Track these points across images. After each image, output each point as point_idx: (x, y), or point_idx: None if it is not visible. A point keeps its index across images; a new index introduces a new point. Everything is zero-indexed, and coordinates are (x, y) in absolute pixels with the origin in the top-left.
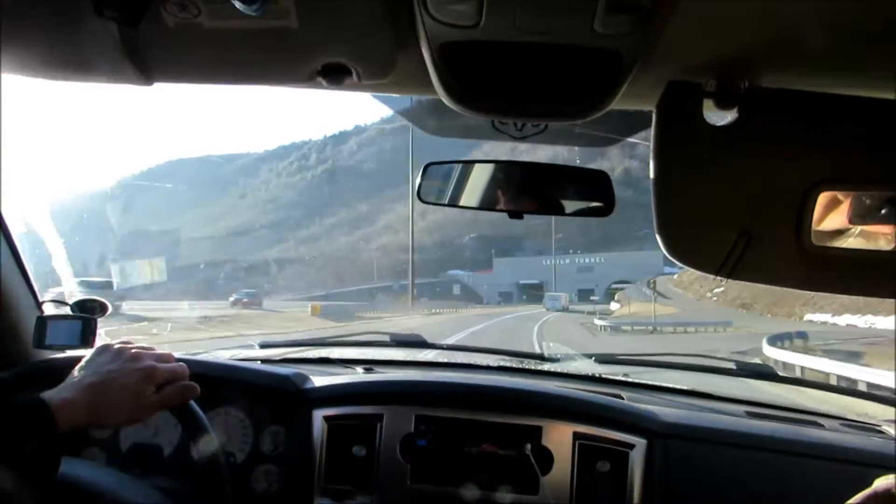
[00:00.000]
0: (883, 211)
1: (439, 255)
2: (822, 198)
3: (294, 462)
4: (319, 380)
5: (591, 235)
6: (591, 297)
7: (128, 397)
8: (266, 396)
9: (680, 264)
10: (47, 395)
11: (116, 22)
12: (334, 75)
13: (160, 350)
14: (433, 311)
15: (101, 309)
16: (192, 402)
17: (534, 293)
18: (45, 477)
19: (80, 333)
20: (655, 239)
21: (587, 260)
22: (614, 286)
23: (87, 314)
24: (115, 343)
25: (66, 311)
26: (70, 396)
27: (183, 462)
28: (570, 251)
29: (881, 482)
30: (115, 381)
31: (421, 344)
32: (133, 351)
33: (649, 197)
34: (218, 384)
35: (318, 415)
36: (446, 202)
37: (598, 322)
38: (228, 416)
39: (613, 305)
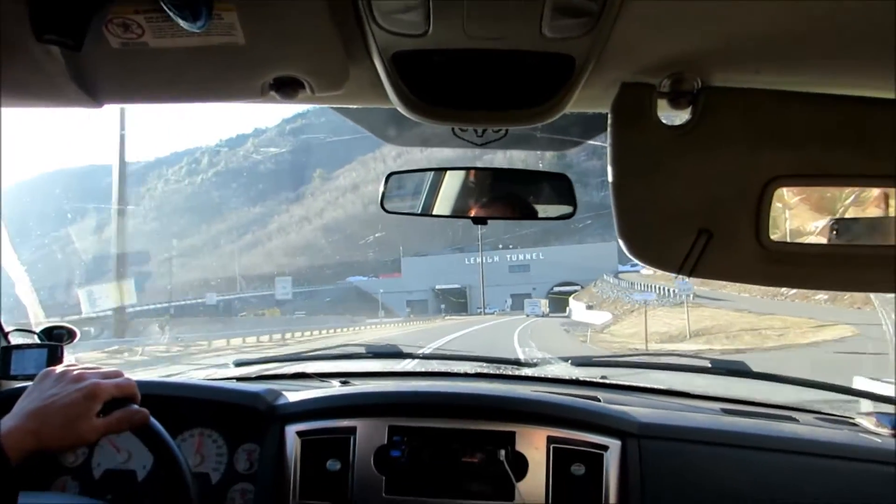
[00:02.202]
0: (837, 205)
1: (338, 258)
2: (778, 194)
3: (268, 479)
4: (293, 395)
5: (524, 228)
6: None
7: (71, 420)
8: (238, 414)
9: (641, 263)
10: None
11: (59, 46)
12: (287, 89)
13: (108, 368)
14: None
15: (70, 335)
16: (158, 425)
17: (454, 301)
18: None
19: (46, 362)
20: (601, 231)
21: (521, 257)
22: (558, 289)
23: (55, 341)
24: (59, 367)
25: (34, 339)
26: (14, 424)
27: (157, 486)
28: (500, 246)
29: None
30: (55, 404)
31: (397, 354)
32: (75, 372)
33: (587, 182)
34: (190, 405)
35: (291, 430)
36: (410, 211)
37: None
38: (202, 436)
39: (582, 314)
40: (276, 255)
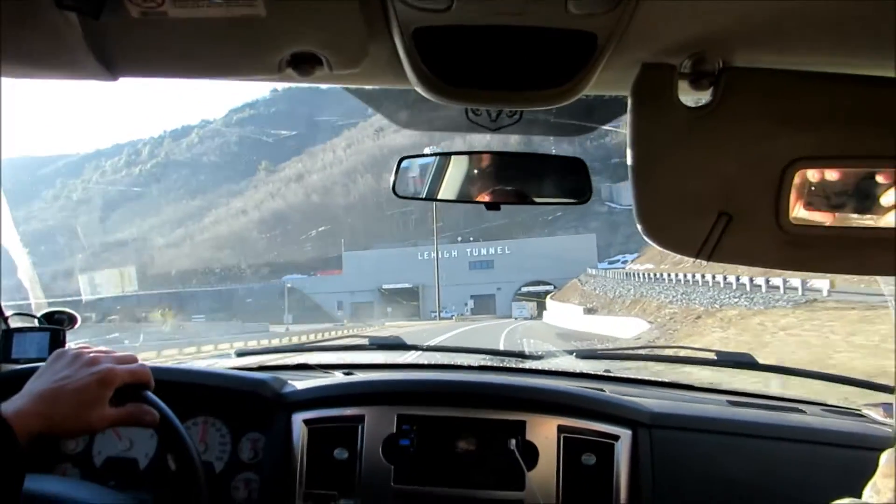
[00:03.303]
0: (859, 187)
1: (275, 254)
2: (800, 176)
3: (274, 469)
4: (299, 384)
5: (485, 218)
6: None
7: (83, 405)
8: (244, 402)
9: (661, 247)
10: (0, 406)
11: (77, 12)
12: (304, 66)
13: (123, 353)
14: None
15: (71, 321)
16: (169, 412)
17: (404, 303)
18: (10, 492)
19: (47, 346)
20: (575, 223)
21: (484, 251)
22: (527, 289)
23: (56, 326)
24: (73, 348)
25: (34, 323)
26: (22, 406)
27: (160, 474)
28: (459, 239)
29: None
30: (67, 387)
31: (401, 346)
32: (90, 355)
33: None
34: (194, 392)
35: (298, 419)
36: (422, 196)
37: None
38: (206, 424)
39: (572, 319)
40: (203, 251)
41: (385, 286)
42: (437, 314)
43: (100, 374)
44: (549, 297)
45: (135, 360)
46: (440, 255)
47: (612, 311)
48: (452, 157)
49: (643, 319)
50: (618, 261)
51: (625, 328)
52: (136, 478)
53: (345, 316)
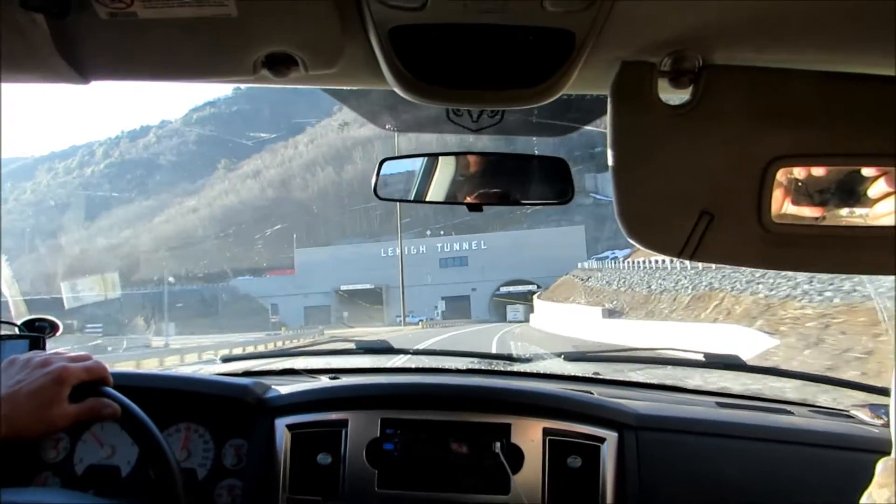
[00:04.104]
0: (840, 185)
1: (225, 254)
2: (781, 174)
3: (257, 475)
4: (282, 389)
5: (457, 211)
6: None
7: (41, 405)
8: (226, 408)
9: (643, 247)
10: None
11: (43, 13)
12: (280, 66)
13: (77, 353)
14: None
15: (52, 328)
16: (130, 403)
17: (365, 306)
18: None
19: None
20: (558, 215)
21: (456, 246)
22: (506, 289)
23: (36, 333)
24: (25, 354)
25: (15, 331)
26: None
27: (142, 481)
28: (428, 233)
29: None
30: (23, 390)
31: (388, 350)
32: (41, 358)
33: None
34: (176, 398)
35: (281, 424)
36: (403, 198)
37: None
38: (188, 430)
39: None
40: (145, 252)
41: (343, 287)
42: (402, 318)
43: (54, 374)
44: (535, 296)
45: (89, 358)
46: (406, 252)
47: (654, 312)
48: (434, 158)
49: (740, 325)
50: (606, 257)
51: (722, 338)
52: (118, 485)
53: (284, 322)
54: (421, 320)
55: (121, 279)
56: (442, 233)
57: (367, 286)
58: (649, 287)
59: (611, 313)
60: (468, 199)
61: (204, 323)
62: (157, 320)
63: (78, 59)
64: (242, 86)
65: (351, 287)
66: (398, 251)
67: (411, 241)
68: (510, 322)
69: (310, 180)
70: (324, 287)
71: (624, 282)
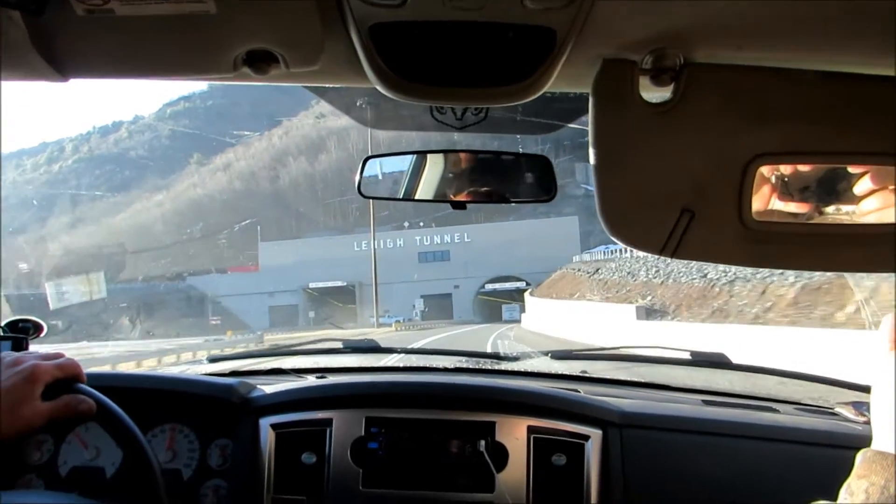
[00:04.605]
0: (820, 183)
1: (191, 251)
2: (761, 172)
3: (242, 474)
4: (268, 388)
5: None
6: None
7: (14, 404)
8: (211, 408)
9: (624, 245)
10: None
11: (19, 10)
12: (260, 64)
13: (49, 351)
14: None
15: (36, 329)
16: (105, 399)
17: (338, 305)
18: None
19: None
20: (544, 208)
21: (437, 239)
22: (492, 286)
23: (19, 335)
24: None
25: None
26: None
27: (127, 483)
28: (406, 225)
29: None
30: None
31: (375, 349)
32: (12, 357)
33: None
34: (161, 398)
35: (265, 423)
36: (387, 196)
37: None
38: (174, 431)
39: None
40: (105, 249)
41: (312, 285)
42: (374, 319)
43: (25, 373)
44: (527, 293)
45: (61, 356)
46: (382, 246)
47: (725, 311)
48: (418, 156)
49: None
50: (599, 253)
51: None
52: (103, 487)
53: (230, 325)
54: (397, 321)
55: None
56: (421, 224)
57: (339, 283)
58: (705, 276)
59: (649, 313)
60: (452, 198)
61: (148, 325)
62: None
63: (56, 57)
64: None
65: (321, 284)
66: (372, 245)
67: (387, 234)
68: (506, 322)
69: (280, 171)
70: (291, 285)
71: (658, 272)
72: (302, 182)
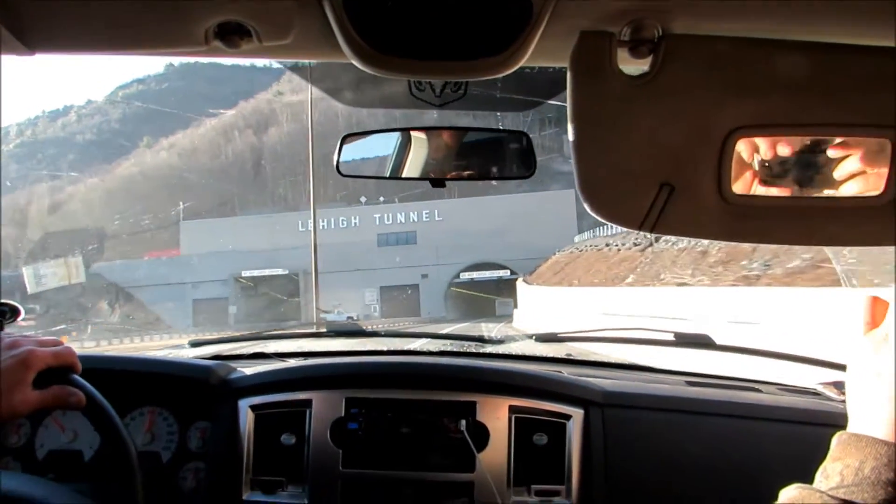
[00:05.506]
0: (800, 157)
1: (110, 236)
2: (741, 145)
3: (221, 457)
4: (249, 370)
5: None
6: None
7: (3, 389)
8: (190, 390)
9: (604, 220)
10: None
11: None
12: (232, 37)
13: (47, 337)
14: None
15: (13, 313)
16: (96, 393)
17: (283, 299)
18: None
19: None
20: (528, 182)
21: (401, 217)
22: (468, 275)
23: None
24: None
25: None
26: None
27: (105, 465)
28: (362, 200)
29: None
30: None
31: (359, 332)
32: (9, 340)
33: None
34: (140, 380)
35: (244, 405)
36: (366, 174)
37: None
38: (153, 414)
39: None
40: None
41: (245, 273)
42: (324, 317)
43: (20, 357)
44: (521, 281)
45: (59, 342)
46: (332, 225)
47: None
48: (395, 133)
49: None
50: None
51: None
52: (80, 470)
53: (146, 323)
54: (351, 317)
55: None
56: (382, 200)
57: (278, 271)
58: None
59: None
60: (430, 174)
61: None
62: None
63: (22, 30)
64: (175, 62)
65: (256, 273)
66: (322, 223)
67: (340, 211)
68: (498, 316)
69: (223, 146)
70: (219, 273)
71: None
72: (249, 157)
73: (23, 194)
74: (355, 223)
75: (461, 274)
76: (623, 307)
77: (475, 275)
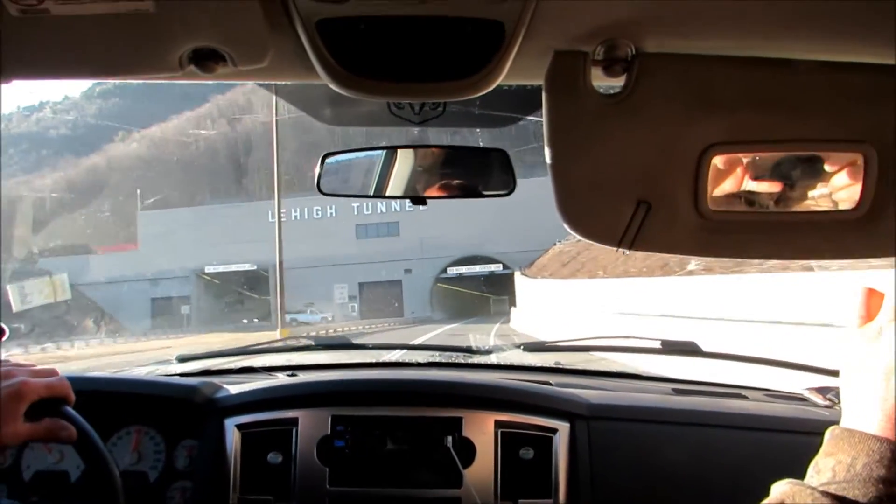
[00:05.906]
0: (774, 171)
1: (67, 227)
2: (716, 162)
3: (208, 476)
4: (233, 388)
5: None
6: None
7: None
8: (176, 409)
9: (582, 237)
10: None
11: None
12: (207, 62)
13: (42, 367)
14: None
15: None
16: (88, 427)
17: (254, 296)
18: None
19: None
20: (522, 169)
21: (382, 207)
22: (456, 270)
23: None
24: None
25: None
26: None
27: (91, 488)
28: None
29: None
30: None
31: (347, 345)
32: (4, 369)
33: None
34: (125, 401)
35: (231, 424)
36: (347, 193)
37: None
38: (139, 433)
39: None
40: None
41: (209, 269)
42: (294, 318)
43: (13, 388)
44: (519, 274)
45: (54, 373)
46: (305, 215)
47: None
48: (375, 152)
49: None
50: None
51: None
52: (66, 491)
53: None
54: (325, 317)
55: None
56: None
57: (246, 267)
58: None
59: None
60: (411, 192)
61: None
62: None
63: None
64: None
65: (221, 268)
66: (294, 213)
67: (314, 200)
68: (496, 316)
69: (195, 135)
70: (181, 269)
71: None
72: (221, 148)
73: None
74: (331, 213)
75: (448, 269)
76: (651, 300)
77: (464, 269)
